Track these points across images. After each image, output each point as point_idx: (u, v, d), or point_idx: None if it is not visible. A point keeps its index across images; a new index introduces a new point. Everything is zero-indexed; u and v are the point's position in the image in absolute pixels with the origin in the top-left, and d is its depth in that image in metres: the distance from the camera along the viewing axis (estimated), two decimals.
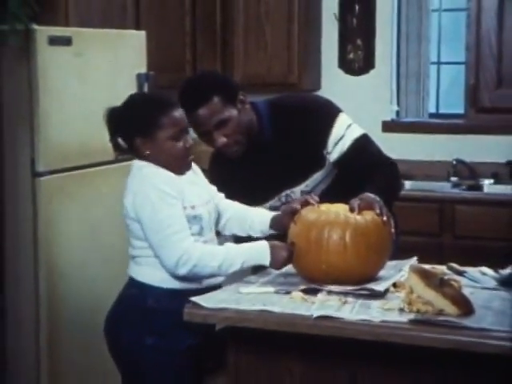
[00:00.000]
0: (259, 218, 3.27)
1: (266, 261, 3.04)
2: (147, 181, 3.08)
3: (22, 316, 3.97)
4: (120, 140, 3.19)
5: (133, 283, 3.16)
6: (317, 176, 3.46)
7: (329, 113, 3.48)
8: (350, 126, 3.45)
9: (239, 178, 3.40)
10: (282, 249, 3.06)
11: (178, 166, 3.13)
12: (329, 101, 3.56)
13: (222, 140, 3.33)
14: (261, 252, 3.05)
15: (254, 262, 3.06)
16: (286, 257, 3.04)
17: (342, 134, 3.42)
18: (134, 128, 3.11)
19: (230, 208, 3.32)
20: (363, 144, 3.47)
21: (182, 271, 3.01)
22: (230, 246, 3.10)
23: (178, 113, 3.11)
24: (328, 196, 3.34)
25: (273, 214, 3.24)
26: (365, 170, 3.39)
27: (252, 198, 3.37)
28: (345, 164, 3.44)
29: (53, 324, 3.98)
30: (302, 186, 3.46)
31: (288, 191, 3.47)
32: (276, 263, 3.05)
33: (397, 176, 3.54)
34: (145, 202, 3.05)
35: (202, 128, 3.33)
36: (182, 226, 3.04)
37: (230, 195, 3.37)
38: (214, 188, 3.30)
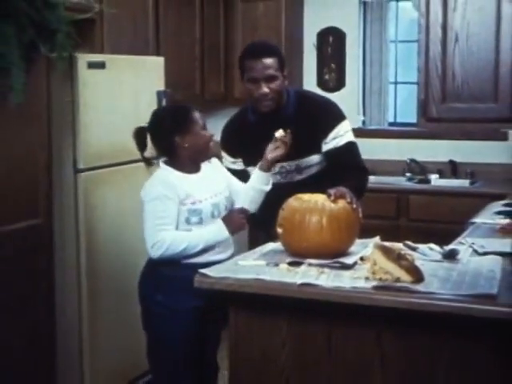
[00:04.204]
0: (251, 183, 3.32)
1: (226, 233, 3.13)
2: (154, 180, 3.17)
3: (67, 281, 3.98)
4: (147, 152, 3.31)
5: None
6: (311, 158, 3.47)
7: (339, 114, 3.55)
8: (348, 131, 3.52)
9: (249, 144, 3.41)
10: (231, 214, 3.19)
11: (206, 152, 3.23)
12: (339, 107, 3.59)
13: (265, 90, 3.36)
14: (218, 228, 3.13)
15: (216, 239, 3.13)
16: (235, 218, 3.17)
17: (342, 134, 3.48)
18: (173, 128, 3.16)
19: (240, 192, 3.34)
20: (352, 148, 3.53)
21: (156, 254, 3.09)
22: (193, 231, 3.13)
23: (197, 111, 3.22)
24: (314, 178, 3.44)
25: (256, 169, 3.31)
26: (345, 168, 3.43)
27: (254, 163, 3.38)
28: (333, 156, 3.47)
29: (92, 286, 3.99)
30: (298, 162, 3.47)
31: (286, 163, 3.45)
32: (233, 228, 3.15)
33: (366, 180, 3.57)
34: (146, 197, 3.14)
35: (255, 75, 3.35)
36: (166, 221, 3.09)
37: (236, 157, 3.51)
38: (231, 181, 3.34)
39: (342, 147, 3.46)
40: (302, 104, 3.49)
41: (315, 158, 3.47)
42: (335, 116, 3.51)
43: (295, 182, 3.42)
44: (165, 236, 3.08)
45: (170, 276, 3.12)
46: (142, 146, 3.30)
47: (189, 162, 3.20)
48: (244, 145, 3.46)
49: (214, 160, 3.34)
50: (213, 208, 3.18)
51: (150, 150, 3.32)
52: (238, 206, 3.29)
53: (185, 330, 3.14)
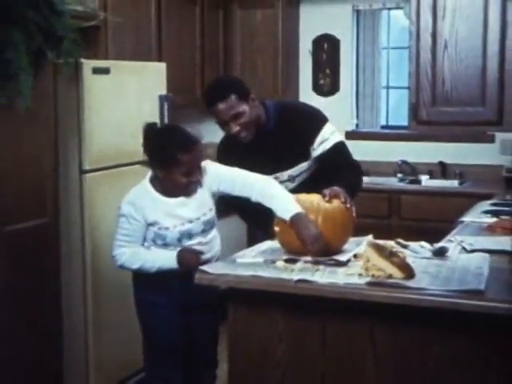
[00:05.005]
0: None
1: (175, 266, 3.07)
2: (131, 196, 3.14)
3: (73, 278, 3.98)
4: None
5: None
6: (301, 166, 3.43)
7: (320, 119, 3.45)
8: (333, 132, 3.44)
9: (242, 159, 3.28)
10: (184, 252, 3.08)
11: (176, 193, 3.11)
12: (320, 110, 3.54)
13: (236, 128, 3.29)
14: (170, 258, 3.07)
15: (167, 267, 3.08)
16: (187, 256, 3.06)
17: (327, 137, 3.40)
18: (156, 160, 3.06)
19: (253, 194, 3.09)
20: (340, 148, 3.45)
21: (116, 265, 3.17)
22: (151, 253, 3.11)
23: (196, 152, 3.03)
24: (307, 183, 3.38)
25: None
26: (337, 168, 3.38)
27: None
28: (323, 160, 3.41)
29: (97, 282, 3.99)
30: (290, 172, 3.42)
31: (278, 174, 3.40)
32: (182, 264, 3.06)
33: (360, 178, 3.53)
34: (119, 210, 3.15)
35: (220, 119, 3.29)
36: (128, 239, 3.11)
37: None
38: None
39: (331, 150, 3.40)
40: (282, 116, 3.41)
41: (305, 165, 3.44)
42: (317, 121, 3.43)
43: (289, 190, 3.36)
44: (123, 252, 3.12)
45: (148, 274, 3.14)
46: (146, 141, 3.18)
47: (167, 187, 3.11)
48: (237, 161, 3.30)
49: (210, 168, 3.15)
50: (180, 235, 3.10)
51: None
52: (252, 198, 3.07)
53: (166, 323, 3.17)
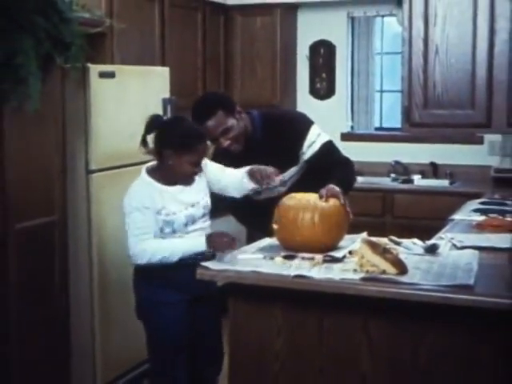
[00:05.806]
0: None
1: (203, 247, 3.02)
2: (135, 189, 3.10)
3: (80, 273, 3.98)
4: (149, 140, 3.15)
5: None
6: (292, 170, 3.42)
7: (305, 123, 3.43)
8: (319, 134, 3.42)
9: (235, 166, 3.28)
10: (215, 238, 3.02)
11: (181, 180, 3.11)
12: (304, 114, 3.53)
13: (227, 142, 3.30)
14: (197, 243, 3.03)
15: (193, 251, 3.03)
16: (219, 243, 2.98)
17: (314, 140, 3.38)
18: (171, 145, 3.05)
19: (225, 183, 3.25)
20: (328, 147, 3.43)
21: (140, 262, 3.06)
22: (173, 241, 3.07)
23: (206, 144, 3.09)
24: (299, 185, 3.34)
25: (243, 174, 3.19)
26: (329, 167, 3.35)
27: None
28: (314, 162, 3.40)
29: (102, 277, 4.00)
30: (280, 177, 3.42)
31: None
32: (216, 247, 2.99)
33: (352, 172, 3.50)
34: (126, 204, 3.09)
35: (211, 135, 3.27)
36: (146, 230, 3.05)
37: None
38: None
39: (319, 151, 3.38)
40: (268, 124, 3.39)
41: (295, 169, 3.43)
42: (303, 126, 3.40)
43: (281, 193, 3.33)
44: (146, 247, 3.04)
45: (149, 273, 3.12)
46: (148, 131, 3.15)
47: (168, 176, 3.11)
48: (230, 164, 3.33)
49: (204, 162, 3.19)
50: (186, 219, 3.10)
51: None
52: (233, 194, 3.23)
53: (174, 321, 3.14)
